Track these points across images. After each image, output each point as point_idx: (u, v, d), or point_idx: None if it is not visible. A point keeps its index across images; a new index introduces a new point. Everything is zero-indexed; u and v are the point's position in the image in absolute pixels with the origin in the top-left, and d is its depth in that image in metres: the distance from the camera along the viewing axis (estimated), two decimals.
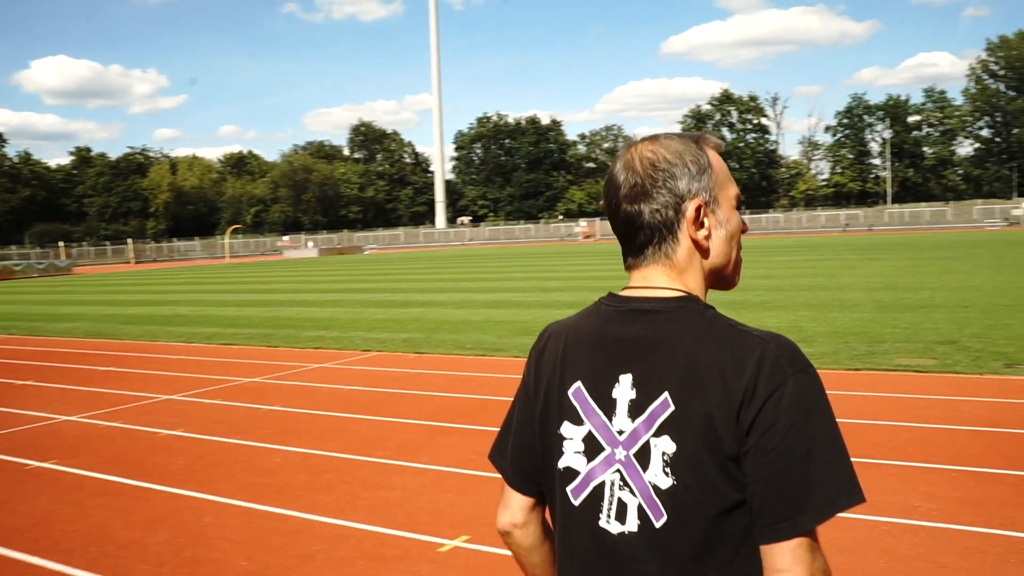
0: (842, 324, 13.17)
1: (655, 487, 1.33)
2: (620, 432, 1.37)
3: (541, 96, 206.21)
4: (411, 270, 39.36)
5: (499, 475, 1.62)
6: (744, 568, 1.32)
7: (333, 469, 6.74)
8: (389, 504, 5.81)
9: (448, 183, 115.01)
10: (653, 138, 1.47)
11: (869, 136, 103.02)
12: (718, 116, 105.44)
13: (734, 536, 1.31)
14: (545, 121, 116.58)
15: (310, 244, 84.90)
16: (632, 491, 1.36)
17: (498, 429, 1.67)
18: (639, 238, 1.44)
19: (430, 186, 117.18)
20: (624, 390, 1.38)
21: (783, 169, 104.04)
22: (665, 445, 1.32)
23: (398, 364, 11.84)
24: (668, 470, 1.32)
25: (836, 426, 1.30)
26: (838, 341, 11.51)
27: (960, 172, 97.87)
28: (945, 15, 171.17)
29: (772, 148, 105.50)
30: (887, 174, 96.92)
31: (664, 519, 1.32)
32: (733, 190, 1.48)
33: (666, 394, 1.33)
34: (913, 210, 77.93)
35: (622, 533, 1.37)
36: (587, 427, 1.41)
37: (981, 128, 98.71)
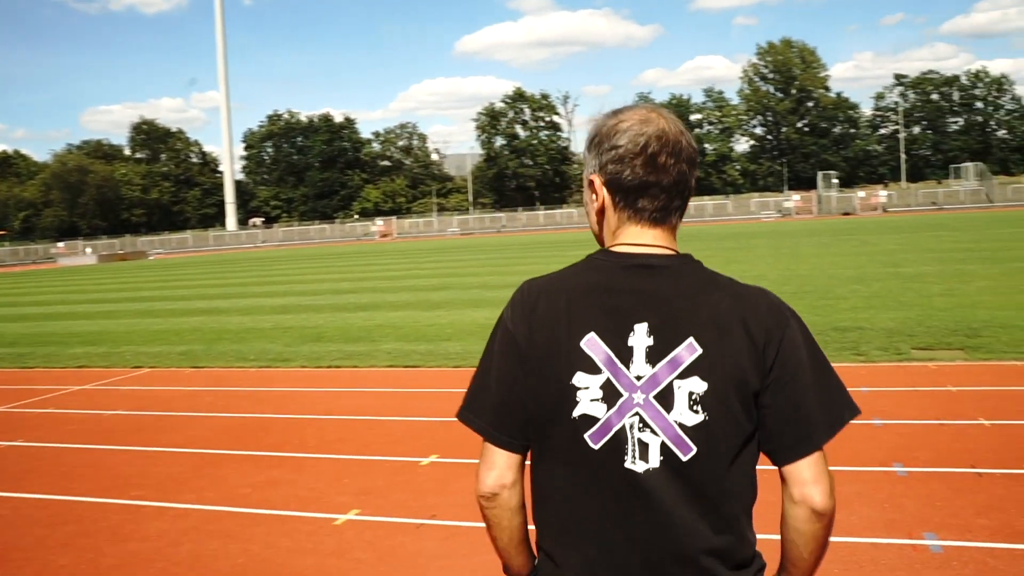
0: None
1: (681, 424, 1.49)
2: (638, 378, 1.50)
3: (335, 94, 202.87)
4: (196, 275, 36.93)
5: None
6: (752, 490, 1.56)
7: (76, 519, 5.63)
8: (139, 560, 4.84)
9: (238, 183, 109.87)
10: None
11: None
12: (511, 114, 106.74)
13: (747, 463, 1.54)
14: (338, 119, 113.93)
15: (88, 251, 78.76)
16: (654, 431, 1.49)
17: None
18: (676, 200, 1.60)
19: (219, 187, 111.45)
20: (640, 338, 1.50)
21: (575, 165, 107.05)
22: (693, 385, 1.49)
23: (172, 381, 10.62)
24: (697, 408, 1.48)
25: (824, 355, 1.56)
26: None
27: (738, 167, 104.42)
28: (719, 21, 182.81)
29: (564, 145, 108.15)
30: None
31: (693, 452, 1.48)
32: None
33: (691, 339, 1.49)
34: (697, 203, 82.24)
35: (648, 471, 1.49)
36: (605, 375, 1.50)
37: (755, 126, 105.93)
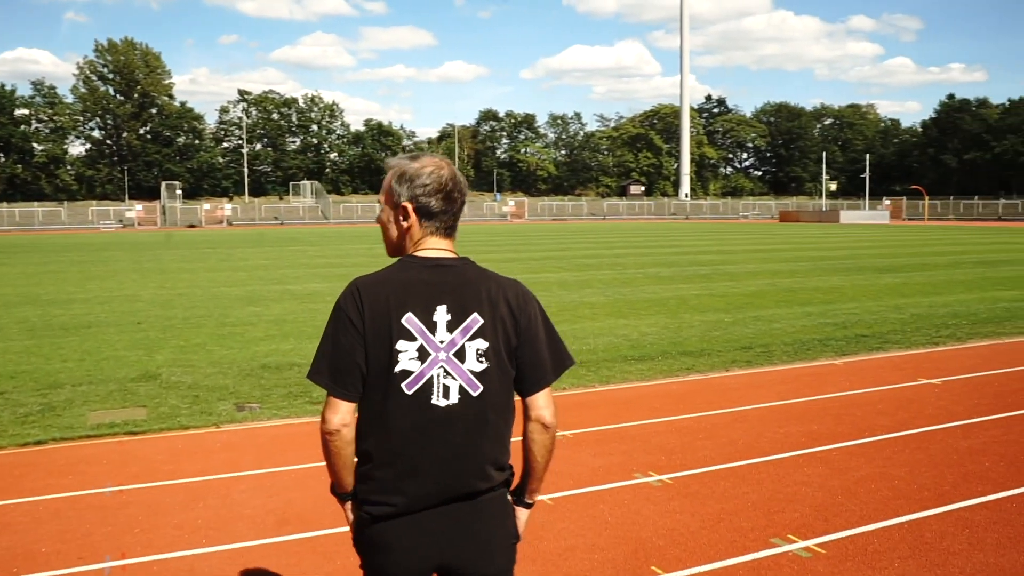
0: None
1: (472, 371, 2.26)
2: (441, 342, 2.25)
3: None
4: None
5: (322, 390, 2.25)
6: (513, 415, 2.37)
7: None
8: None
9: None
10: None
11: None
12: None
13: (510, 396, 2.35)
14: None
15: None
16: (453, 377, 2.25)
17: None
18: (457, 220, 2.37)
19: None
20: (442, 315, 2.25)
21: None
22: (478, 345, 2.26)
23: None
24: (482, 359, 2.26)
25: (551, 322, 2.41)
26: None
27: (73, 172, 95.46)
28: (47, 14, 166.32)
29: None
30: None
31: (480, 389, 2.26)
32: None
33: (475, 314, 2.26)
34: (25, 209, 72.76)
35: (448, 405, 2.25)
36: (419, 341, 2.23)
37: (93, 129, 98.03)
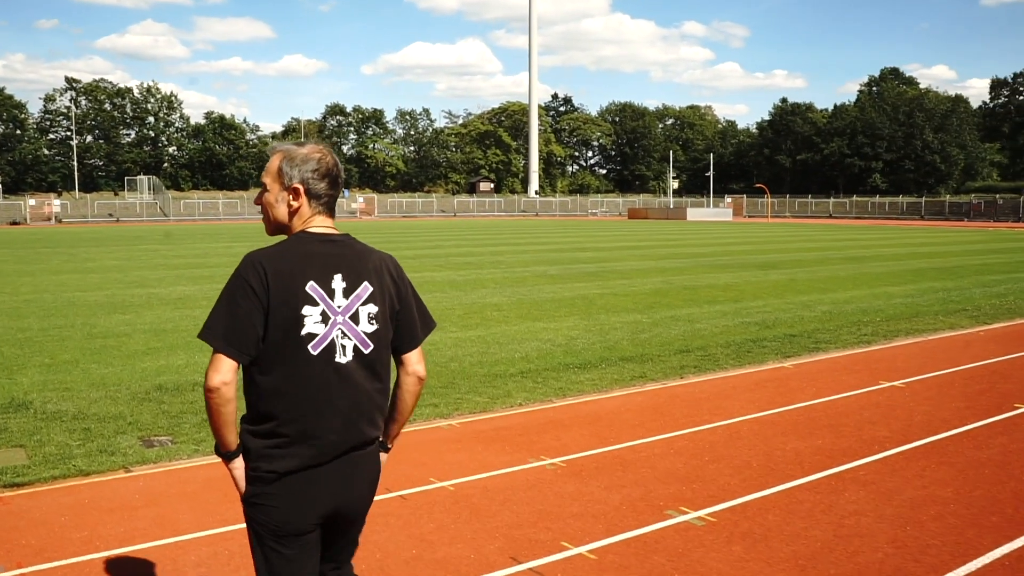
0: None
1: (366, 332, 2.52)
2: (339, 307, 2.48)
3: None
4: None
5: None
6: (390, 371, 2.63)
7: None
8: None
9: None
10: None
11: None
12: None
13: (389, 354, 2.63)
14: None
15: None
16: (349, 337, 2.49)
17: None
18: (335, 202, 2.62)
19: None
20: (338, 283, 2.48)
21: None
22: (370, 309, 2.53)
23: None
24: (373, 322, 2.53)
25: (417, 291, 2.73)
26: None
27: None
28: None
29: None
30: None
31: (371, 348, 2.53)
32: None
33: (366, 282, 2.53)
34: None
35: (347, 362, 2.49)
36: (321, 307, 2.45)
37: None
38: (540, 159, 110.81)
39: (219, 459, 2.52)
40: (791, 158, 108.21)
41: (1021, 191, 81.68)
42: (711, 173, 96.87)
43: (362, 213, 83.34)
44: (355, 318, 2.49)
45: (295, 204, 2.53)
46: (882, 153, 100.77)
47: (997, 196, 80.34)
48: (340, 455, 2.49)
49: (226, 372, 2.36)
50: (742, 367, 9.04)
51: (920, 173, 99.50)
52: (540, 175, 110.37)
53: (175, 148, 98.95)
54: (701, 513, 4.80)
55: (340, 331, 2.46)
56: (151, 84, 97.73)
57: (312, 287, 2.43)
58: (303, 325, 2.40)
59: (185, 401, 7.34)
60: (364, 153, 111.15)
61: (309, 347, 2.42)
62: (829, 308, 13.74)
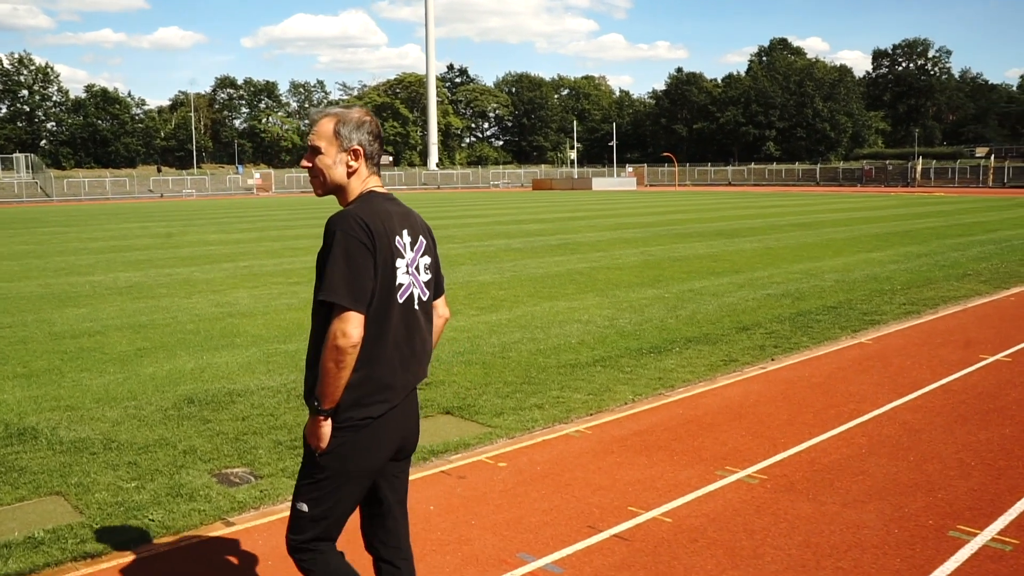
0: None
1: (424, 282, 2.76)
2: (410, 260, 2.69)
3: None
4: None
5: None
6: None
7: None
8: None
9: None
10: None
11: None
12: None
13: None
14: None
15: None
16: (416, 287, 2.72)
17: None
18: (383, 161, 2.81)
19: None
20: (406, 237, 2.68)
21: None
22: (426, 261, 2.77)
23: None
24: (429, 272, 2.78)
25: None
26: None
27: None
28: None
29: None
30: None
31: (428, 295, 2.79)
32: None
33: (421, 236, 2.75)
34: None
35: (417, 309, 2.72)
36: (406, 259, 2.67)
37: None
38: (439, 131, 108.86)
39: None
40: (688, 127, 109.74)
41: (907, 157, 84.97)
42: (614, 143, 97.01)
43: (259, 189, 79.97)
44: (418, 269, 2.73)
45: (354, 165, 2.69)
46: (775, 121, 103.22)
47: (887, 162, 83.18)
48: (409, 393, 2.73)
49: (361, 327, 2.51)
50: (819, 346, 8.25)
51: (812, 140, 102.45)
52: (439, 147, 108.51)
53: (54, 124, 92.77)
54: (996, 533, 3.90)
55: (411, 279, 2.69)
56: (23, 55, 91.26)
57: (399, 241, 2.65)
58: (396, 277, 2.63)
59: (235, 417, 6.01)
60: (257, 127, 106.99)
61: (398, 296, 2.65)
62: (838, 277, 13.18)
